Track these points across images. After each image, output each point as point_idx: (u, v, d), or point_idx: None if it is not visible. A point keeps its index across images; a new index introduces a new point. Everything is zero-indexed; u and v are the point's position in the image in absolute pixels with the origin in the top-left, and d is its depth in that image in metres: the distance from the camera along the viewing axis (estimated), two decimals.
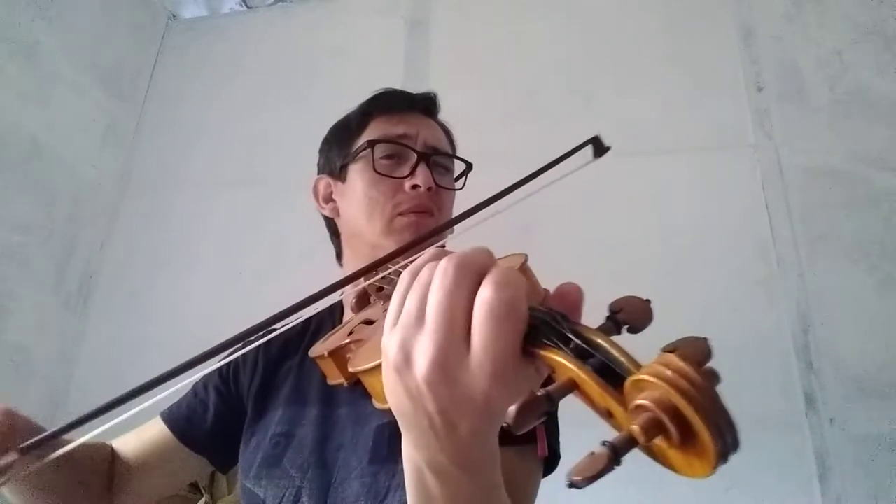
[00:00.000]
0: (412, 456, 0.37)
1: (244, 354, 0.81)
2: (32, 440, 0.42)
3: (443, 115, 0.86)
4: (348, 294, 0.80)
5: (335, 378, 0.57)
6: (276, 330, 0.48)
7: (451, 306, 0.31)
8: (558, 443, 0.61)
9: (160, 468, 0.75)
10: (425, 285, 0.32)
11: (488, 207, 0.53)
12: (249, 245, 1.63)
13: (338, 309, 0.83)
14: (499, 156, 1.51)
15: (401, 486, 0.57)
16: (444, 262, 0.32)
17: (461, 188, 0.80)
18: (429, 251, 0.37)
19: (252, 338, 0.46)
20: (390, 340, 0.33)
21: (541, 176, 0.60)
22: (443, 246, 0.75)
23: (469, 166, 0.82)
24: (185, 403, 0.78)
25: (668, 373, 0.23)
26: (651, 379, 0.23)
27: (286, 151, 1.63)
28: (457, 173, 0.84)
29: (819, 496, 1.11)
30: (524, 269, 0.43)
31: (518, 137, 1.54)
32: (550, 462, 0.61)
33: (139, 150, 1.84)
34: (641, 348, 0.29)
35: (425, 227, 0.71)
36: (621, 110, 1.51)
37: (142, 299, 1.64)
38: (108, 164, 1.76)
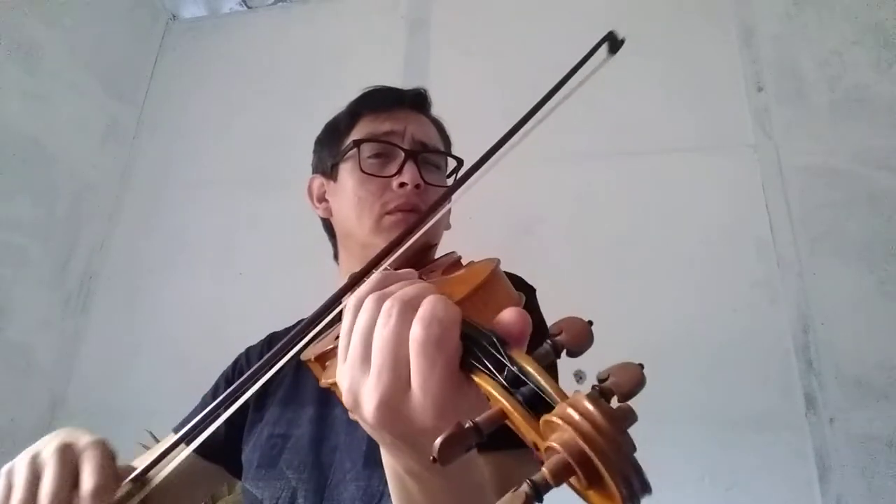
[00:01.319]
0: (389, 462, 0.39)
1: (248, 359, 0.82)
2: (138, 470, 0.48)
3: (442, 115, 0.85)
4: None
5: (325, 380, 0.57)
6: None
7: (395, 351, 0.32)
8: (541, 498, 0.61)
9: (180, 483, 0.74)
10: (368, 327, 0.33)
11: (509, 139, 0.53)
12: (249, 246, 1.63)
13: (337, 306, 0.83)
14: (499, 155, 1.52)
15: None
16: (386, 305, 0.33)
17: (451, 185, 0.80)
18: (371, 280, 0.36)
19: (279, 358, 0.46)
20: (341, 380, 0.34)
21: (564, 87, 0.59)
22: (434, 245, 0.74)
23: (460, 163, 0.81)
24: (194, 413, 0.78)
25: (576, 416, 0.23)
26: (558, 421, 0.23)
27: (286, 151, 1.63)
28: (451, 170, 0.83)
29: (819, 496, 1.11)
30: (495, 275, 0.42)
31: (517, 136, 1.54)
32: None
33: (139, 150, 1.84)
34: (617, 358, 0.28)
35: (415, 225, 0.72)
36: (621, 110, 1.51)
37: (142, 299, 1.64)
38: (108, 164, 1.76)
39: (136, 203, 1.77)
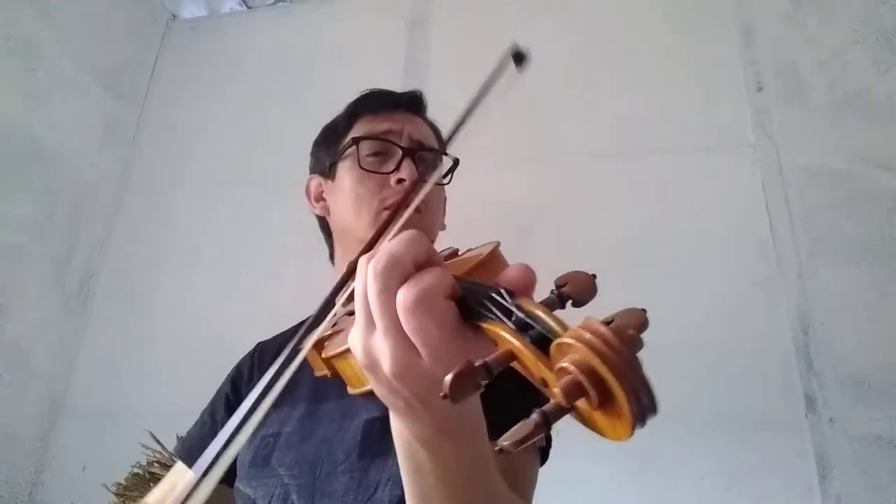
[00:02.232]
0: (400, 430, 0.40)
1: (240, 370, 0.81)
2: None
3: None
4: None
5: (320, 369, 0.58)
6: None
7: (388, 311, 0.33)
8: (550, 427, 0.61)
9: None
10: (363, 291, 0.34)
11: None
12: (249, 245, 1.63)
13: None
14: (498, 155, 1.52)
15: (391, 480, 0.57)
16: (369, 270, 0.34)
17: (447, 183, 0.80)
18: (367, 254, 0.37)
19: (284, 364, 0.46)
20: (354, 343, 0.36)
21: (477, 107, 0.59)
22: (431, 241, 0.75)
23: (456, 162, 0.82)
24: (197, 435, 0.79)
25: (587, 335, 0.24)
26: (571, 341, 0.24)
27: (286, 151, 1.62)
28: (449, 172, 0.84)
29: (819, 496, 1.11)
30: (494, 253, 0.44)
31: (518, 137, 1.54)
32: (544, 451, 0.64)
33: (139, 150, 1.84)
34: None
35: (411, 221, 0.72)
36: (621, 110, 1.51)
37: (142, 299, 1.64)
38: (108, 164, 1.76)
39: (136, 203, 1.77)
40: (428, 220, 0.74)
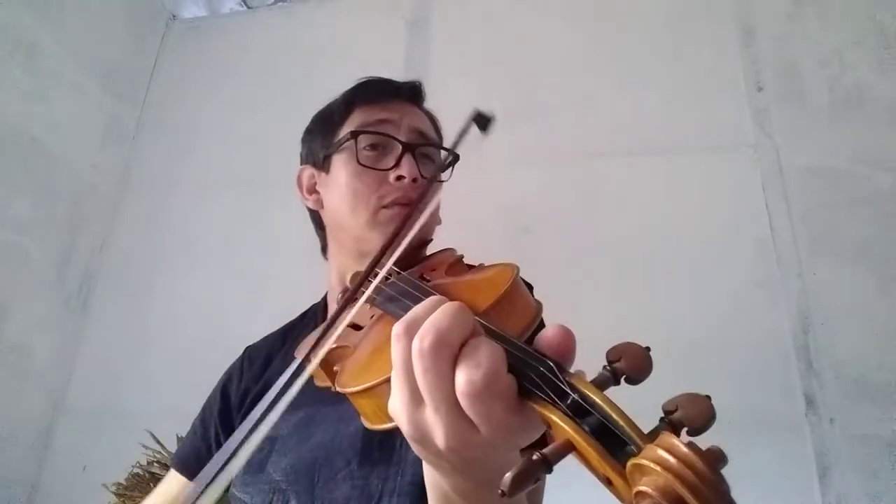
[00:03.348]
0: (437, 482, 0.38)
1: (230, 376, 0.79)
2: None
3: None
4: (333, 288, 0.78)
5: (322, 381, 0.56)
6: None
7: (440, 390, 0.31)
8: None
9: None
10: (405, 363, 0.32)
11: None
12: (249, 245, 1.63)
13: (321, 306, 0.82)
14: (498, 155, 1.52)
15: (396, 491, 0.56)
16: (414, 347, 0.32)
17: (447, 180, 0.77)
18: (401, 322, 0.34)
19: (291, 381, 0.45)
20: (399, 414, 0.34)
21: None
22: (429, 241, 0.74)
23: (456, 157, 0.80)
24: (189, 443, 0.78)
25: (672, 461, 0.22)
26: (654, 466, 0.22)
27: (286, 151, 1.62)
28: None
29: (819, 496, 1.10)
30: (513, 288, 0.41)
31: (518, 137, 1.54)
32: None
33: (139, 150, 1.84)
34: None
35: (411, 219, 0.70)
36: (621, 110, 1.51)
37: (142, 299, 1.64)
38: (108, 164, 1.76)
39: (136, 203, 1.77)
40: (428, 221, 0.71)
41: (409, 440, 0.34)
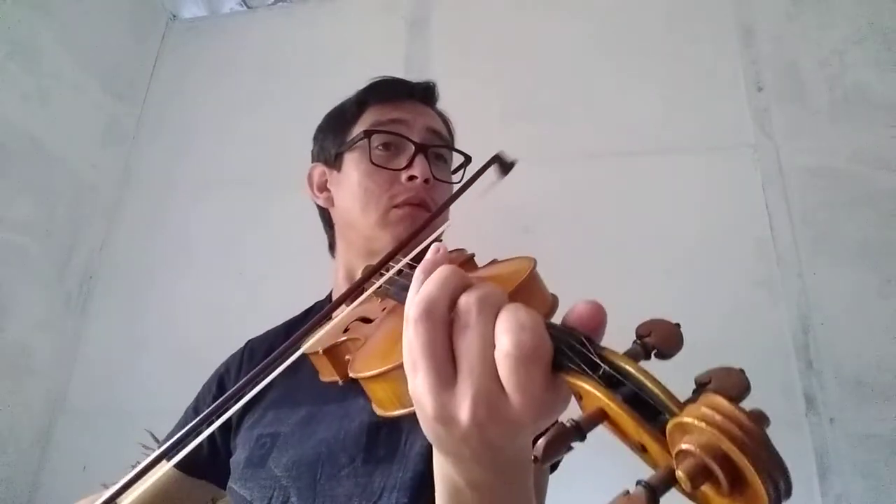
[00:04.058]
0: (449, 474, 0.37)
1: (228, 368, 0.79)
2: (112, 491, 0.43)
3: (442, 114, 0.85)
4: (340, 285, 0.79)
5: (329, 375, 0.56)
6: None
7: (483, 355, 0.30)
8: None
9: (163, 500, 0.72)
10: (434, 341, 0.32)
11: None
12: (249, 245, 1.63)
13: (327, 301, 0.82)
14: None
15: (396, 487, 0.56)
16: (463, 304, 0.31)
17: (459, 182, 0.78)
18: (432, 279, 0.34)
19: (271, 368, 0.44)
20: (424, 395, 0.32)
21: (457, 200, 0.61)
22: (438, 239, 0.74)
23: (468, 159, 0.80)
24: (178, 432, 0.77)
25: (718, 417, 0.22)
26: (699, 423, 0.22)
27: (286, 151, 1.62)
28: (454, 166, 0.82)
29: (819, 496, 1.10)
30: (532, 277, 0.41)
31: (518, 137, 1.54)
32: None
33: (139, 150, 1.84)
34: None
35: (421, 220, 0.69)
36: (621, 110, 1.51)
37: (142, 299, 1.64)
38: (108, 164, 1.76)
39: (136, 203, 1.77)
40: (437, 220, 0.72)
41: (429, 424, 0.33)
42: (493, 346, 0.30)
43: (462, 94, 1.64)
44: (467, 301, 0.31)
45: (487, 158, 0.58)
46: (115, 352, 1.58)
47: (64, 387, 1.56)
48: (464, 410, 0.31)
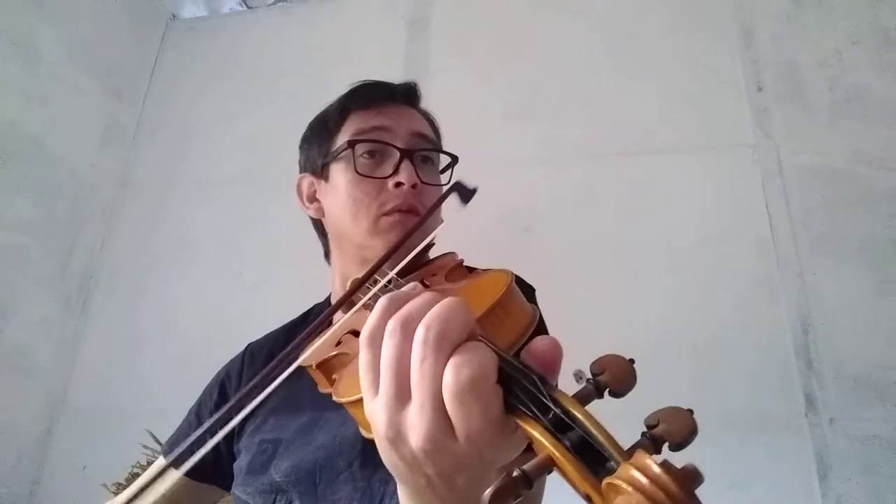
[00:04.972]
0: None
1: (229, 372, 0.79)
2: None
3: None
4: (337, 292, 0.78)
5: (324, 388, 0.56)
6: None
7: (434, 379, 0.30)
8: None
9: None
10: (399, 359, 0.32)
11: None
12: (249, 245, 1.63)
13: (325, 307, 0.82)
14: (499, 155, 1.52)
15: (395, 494, 0.56)
16: (419, 335, 0.31)
17: (447, 183, 0.75)
18: (381, 307, 0.34)
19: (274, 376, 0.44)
20: (376, 415, 0.33)
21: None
22: (432, 245, 0.73)
23: (454, 160, 0.79)
24: (182, 435, 0.77)
25: (644, 482, 0.22)
26: (626, 487, 0.22)
27: (286, 151, 1.62)
28: (442, 167, 0.82)
29: (819, 496, 1.10)
30: (509, 293, 0.40)
31: (518, 137, 1.54)
32: None
33: (139, 150, 1.84)
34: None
35: (412, 224, 0.68)
36: (621, 110, 1.51)
37: (142, 299, 1.64)
38: (108, 164, 1.76)
39: (136, 203, 1.77)
40: (430, 223, 0.70)
41: (381, 443, 0.33)
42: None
43: (462, 94, 1.65)
44: (426, 333, 0.31)
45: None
46: (115, 352, 1.58)
47: (64, 387, 1.56)
48: (413, 437, 0.31)
